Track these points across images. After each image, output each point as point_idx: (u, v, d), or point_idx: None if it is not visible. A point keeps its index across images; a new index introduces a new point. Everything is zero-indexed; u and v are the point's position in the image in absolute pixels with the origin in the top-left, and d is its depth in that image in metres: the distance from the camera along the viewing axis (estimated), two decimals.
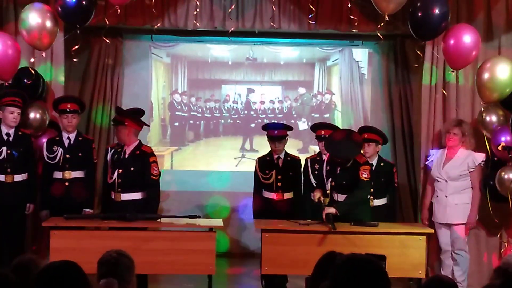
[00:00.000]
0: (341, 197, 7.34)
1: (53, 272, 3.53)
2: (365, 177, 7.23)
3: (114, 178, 7.64)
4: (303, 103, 10.95)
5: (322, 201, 7.44)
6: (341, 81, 10.86)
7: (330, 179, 7.46)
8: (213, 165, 10.76)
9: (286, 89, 11.03)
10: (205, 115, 10.92)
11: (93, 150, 8.20)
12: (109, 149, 8.15)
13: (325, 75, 10.99)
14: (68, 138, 8.02)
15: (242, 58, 10.97)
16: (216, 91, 11.03)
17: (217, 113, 10.95)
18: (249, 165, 10.23)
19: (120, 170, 7.63)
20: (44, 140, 8.17)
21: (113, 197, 7.71)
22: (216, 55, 10.99)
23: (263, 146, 9.30)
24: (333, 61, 10.98)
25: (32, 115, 8.24)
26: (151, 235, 7.34)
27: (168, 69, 10.90)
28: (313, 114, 10.91)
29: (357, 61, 10.82)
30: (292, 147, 8.80)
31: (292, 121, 10.72)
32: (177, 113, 10.85)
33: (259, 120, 10.81)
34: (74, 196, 7.89)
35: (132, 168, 7.62)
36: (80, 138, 8.11)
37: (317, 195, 7.55)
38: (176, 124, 10.83)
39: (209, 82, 11.06)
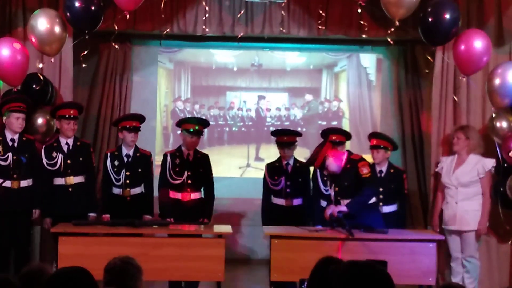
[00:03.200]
0: (345, 202, 7.31)
1: (63, 278, 3.51)
2: (366, 173, 7.25)
3: (183, 179, 8.01)
4: (310, 110, 10.78)
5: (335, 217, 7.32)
6: (349, 88, 10.72)
7: (333, 186, 7.43)
8: (218, 175, 10.24)
9: (292, 96, 10.85)
10: (209, 122, 10.64)
11: (91, 154, 8.19)
12: (108, 154, 8.16)
13: (333, 81, 10.82)
14: (67, 143, 8.00)
15: (247, 64, 10.80)
16: (220, 98, 10.86)
17: (221, 121, 10.77)
18: (256, 173, 10.19)
19: (189, 172, 8.03)
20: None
21: (180, 197, 8.05)
22: (220, 61, 10.82)
23: (270, 155, 9.06)
24: (340, 68, 10.81)
25: (39, 120, 8.27)
26: (159, 241, 7.32)
27: (171, 75, 10.73)
28: (320, 122, 10.70)
29: (365, 68, 10.68)
30: (299, 155, 8.62)
31: (299, 128, 10.41)
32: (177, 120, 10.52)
33: (266, 128, 10.59)
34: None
35: (201, 170, 8.11)
36: (78, 143, 8.09)
37: (329, 212, 7.37)
38: (179, 132, 10.42)
39: (213, 89, 10.86)
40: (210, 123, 10.21)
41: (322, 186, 8.16)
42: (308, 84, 10.87)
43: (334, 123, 10.65)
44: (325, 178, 8.11)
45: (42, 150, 7.99)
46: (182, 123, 8.23)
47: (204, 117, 10.25)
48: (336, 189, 7.40)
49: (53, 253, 7.26)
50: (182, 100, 10.75)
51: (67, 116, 7.97)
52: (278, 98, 10.90)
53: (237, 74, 10.86)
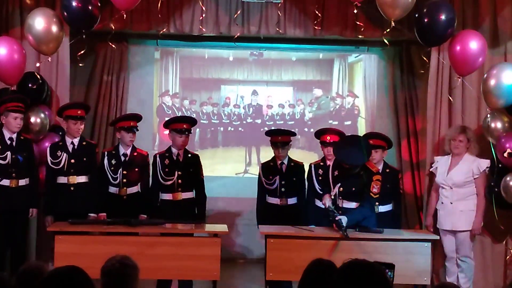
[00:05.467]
0: (347, 204, 7.30)
1: (58, 277, 3.52)
2: (374, 193, 7.20)
3: (174, 180, 7.97)
4: (320, 107, 10.13)
5: (332, 207, 7.28)
6: (365, 81, 10.02)
7: (338, 185, 7.39)
8: (213, 174, 9.84)
9: (298, 91, 10.08)
10: (201, 121, 9.95)
11: (96, 155, 8.20)
12: (106, 153, 8.16)
13: (346, 73, 10.08)
14: (72, 143, 8.01)
15: (245, 53, 10.03)
16: (214, 93, 10.10)
17: (215, 119, 10.10)
18: (251, 173, 10.05)
19: (180, 172, 8.01)
20: (47, 145, 8.16)
21: (171, 198, 8.03)
22: (214, 50, 9.98)
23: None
24: (356, 57, 10.08)
25: (32, 119, 8.27)
26: (155, 240, 7.33)
27: (157, 66, 10.13)
28: (331, 121, 9.93)
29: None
30: (306, 160, 8.30)
31: (306, 129, 9.88)
32: (167, 119, 9.27)
33: (266, 128, 9.65)
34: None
35: (191, 170, 8.08)
36: (83, 143, 8.10)
37: (326, 201, 7.31)
38: (166, 132, 9.29)
39: (206, 82, 10.10)
40: (203, 121, 9.95)
41: (317, 186, 8.18)
42: (317, 76, 10.11)
43: (348, 122, 9.96)
44: (320, 178, 8.12)
45: (48, 149, 8.01)
46: (170, 123, 8.22)
47: (195, 115, 9.96)
48: (341, 189, 7.36)
49: (50, 252, 7.28)
50: (170, 95, 10.08)
51: (74, 116, 7.99)
52: (282, 93, 10.09)
53: (234, 64, 10.14)
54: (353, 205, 7.29)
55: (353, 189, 7.27)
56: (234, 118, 10.22)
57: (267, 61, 10.06)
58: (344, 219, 6.98)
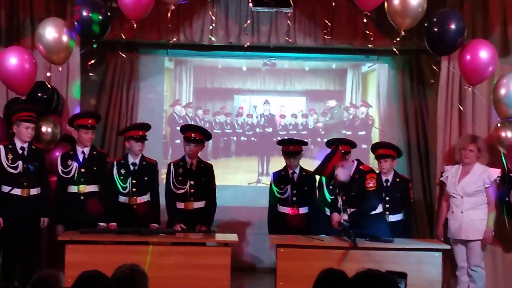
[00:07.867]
0: (351, 211, 7.33)
1: (83, 283, 3.53)
2: (371, 187, 7.23)
3: (186, 189, 7.97)
4: (333, 117, 10.07)
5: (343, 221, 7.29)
6: (379, 91, 9.96)
7: (340, 194, 7.44)
8: (224, 183, 9.72)
9: (311, 101, 10.03)
10: (214, 131, 9.85)
11: (107, 164, 8.21)
12: (115, 162, 8.17)
13: (360, 83, 10.03)
14: (83, 152, 8.04)
15: (258, 63, 10.00)
16: (227, 103, 10.10)
17: (228, 129, 10.09)
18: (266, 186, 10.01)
19: (192, 182, 8.00)
20: (58, 154, 8.19)
21: (183, 207, 8.04)
22: (227, 60, 9.97)
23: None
24: (369, 67, 10.02)
25: (43, 129, 8.29)
26: (166, 250, 7.34)
27: (170, 75, 10.11)
28: (344, 131, 9.85)
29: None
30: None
31: (319, 139, 9.82)
32: (179, 128, 9.12)
33: (279, 138, 9.49)
34: (90, 210, 7.91)
35: (204, 179, 8.07)
36: (94, 152, 8.13)
37: (335, 219, 7.36)
38: (178, 141, 9.58)
39: (219, 92, 10.10)
40: (216, 131, 9.91)
41: (328, 195, 8.19)
42: (331, 86, 10.06)
43: (362, 133, 9.92)
44: (331, 187, 8.14)
45: (59, 158, 8.04)
46: (183, 130, 8.24)
47: (208, 125, 9.96)
48: (343, 198, 7.41)
49: (61, 261, 7.28)
50: (183, 104, 10.09)
51: (85, 125, 8.01)
52: (295, 102, 10.05)
53: (247, 74, 10.10)
54: None
55: (353, 193, 7.30)
56: (247, 128, 10.20)
57: (280, 71, 10.03)
58: (344, 218, 7.02)
